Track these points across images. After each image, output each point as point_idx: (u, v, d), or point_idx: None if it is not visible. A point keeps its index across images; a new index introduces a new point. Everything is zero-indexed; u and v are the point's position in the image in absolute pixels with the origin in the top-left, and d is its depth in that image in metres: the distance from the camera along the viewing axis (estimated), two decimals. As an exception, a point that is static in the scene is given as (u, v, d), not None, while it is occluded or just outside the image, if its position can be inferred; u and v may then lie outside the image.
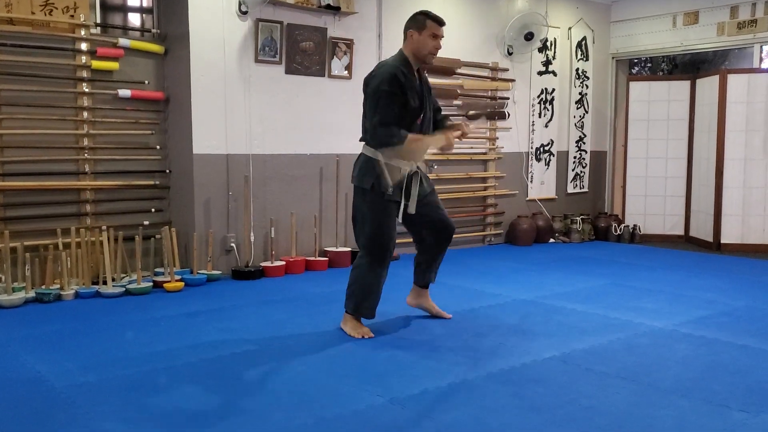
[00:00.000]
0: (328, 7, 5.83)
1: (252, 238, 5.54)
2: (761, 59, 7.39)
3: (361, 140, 3.86)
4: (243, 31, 5.50)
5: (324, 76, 5.98)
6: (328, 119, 6.05)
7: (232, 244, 5.50)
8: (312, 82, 5.92)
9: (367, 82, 3.76)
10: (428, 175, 4.10)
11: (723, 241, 7.09)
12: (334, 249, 6.00)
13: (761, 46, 7.34)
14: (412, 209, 3.75)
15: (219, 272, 5.34)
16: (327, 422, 2.62)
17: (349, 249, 6.03)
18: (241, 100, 5.53)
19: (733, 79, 7.03)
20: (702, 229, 7.42)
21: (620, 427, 2.60)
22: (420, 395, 2.89)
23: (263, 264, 5.52)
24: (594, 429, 2.58)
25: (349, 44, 6.08)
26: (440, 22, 3.79)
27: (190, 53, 5.25)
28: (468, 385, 3.03)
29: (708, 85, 7.31)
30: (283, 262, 5.57)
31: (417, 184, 3.77)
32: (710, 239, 7.19)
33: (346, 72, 6.09)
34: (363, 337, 3.75)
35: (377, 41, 6.34)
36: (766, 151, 6.98)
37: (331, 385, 3.01)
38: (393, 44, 6.34)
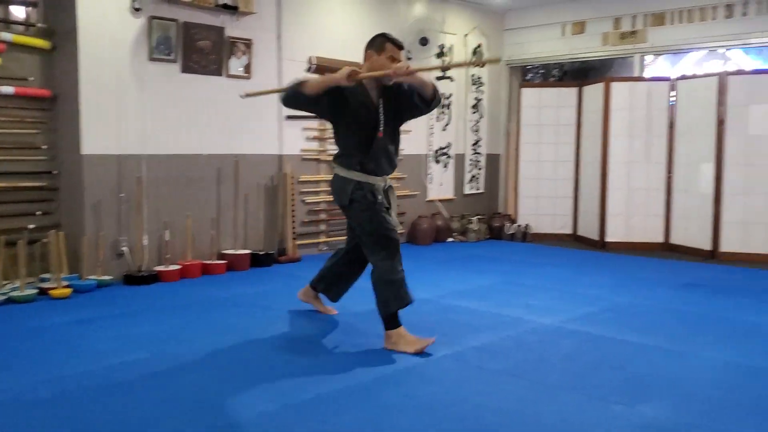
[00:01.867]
0: (226, 6, 5.75)
1: (145, 242, 5.39)
2: (642, 68, 7.83)
3: (333, 161, 3.91)
4: (136, 29, 5.34)
5: (222, 75, 5.89)
6: (226, 119, 5.97)
7: (124, 248, 5.33)
8: (209, 82, 5.82)
9: None
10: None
11: (608, 239, 7.49)
12: (233, 251, 5.92)
13: (641, 56, 7.79)
14: (394, 222, 3.80)
15: (110, 277, 5.17)
16: (218, 430, 2.59)
17: (249, 251, 5.97)
18: (134, 99, 5.37)
19: (616, 87, 7.43)
20: (589, 229, 7.80)
21: (508, 423, 2.71)
22: (313, 399, 2.90)
23: (157, 268, 5.38)
24: (483, 426, 2.67)
25: (248, 44, 6.02)
26: (400, 46, 3.81)
27: (79, 49, 5.05)
28: (362, 387, 3.07)
29: (594, 92, 7.69)
30: (179, 266, 5.45)
31: (393, 197, 3.88)
32: (596, 238, 7.58)
33: (245, 72, 6.02)
34: (425, 347, 3.55)
35: (277, 42, 6.30)
36: (647, 155, 7.42)
37: (224, 393, 2.97)
38: (292, 45, 6.35)
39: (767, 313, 4.53)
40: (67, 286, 4.79)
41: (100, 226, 5.21)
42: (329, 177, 6.62)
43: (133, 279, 5.20)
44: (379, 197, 3.75)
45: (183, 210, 5.66)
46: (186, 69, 5.64)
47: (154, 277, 5.27)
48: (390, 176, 3.87)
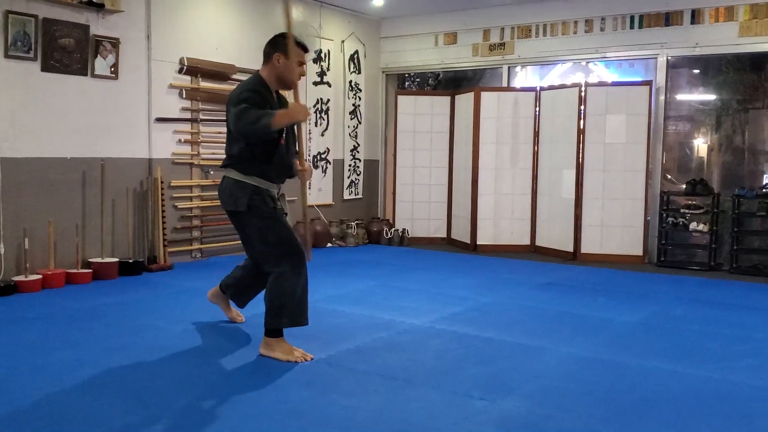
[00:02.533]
0: (90, 3, 5.53)
1: (2, 250, 5.07)
2: (510, 79, 8.20)
3: (223, 166, 3.72)
4: (-10, 24, 5.03)
5: (86, 75, 5.65)
6: (91, 121, 5.73)
7: (-22, 257, 5.00)
8: (73, 82, 5.57)
9: (227, 103, 3.59)
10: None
11: (479, 242, 7.78)
12: (99, 260, 5.67)
13: (509, 67, 8.16)
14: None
15: (-38, 288, 4.83)
16: (79, 444, 2.50)
17: (117, 259, 5.75)
18: (-11, 98, 5.05)
19: (485, 96, 7.75)
20: (461, 232, 8.08)
21: (375, 423, 2.77)
22: (181, 410, 2.85)
23: (16, 278, 5.08)
24: (351, 427, 2.72)
25: (115, 43, 5.81)
26: (305, 49, 3.72)
27: (-75, 44, 4.71)
28: (233, 395, 3.04)
29: (465, 101, 7.98)
30: (40, 276, 5.17)
31: (286, 205, 3.79)
32: (468, 241, 7.86)
33: (112, 72, 5.81)
34: (303, 360, 3.51)
35: (146, 42, 6.12)
36: (513, 162, 7.78)
37: (85, 405, 2.86)
38: (162, 45, 6.19)
39: (617, 310, 4.87)
40: None
41: (-51, 233, 4.87)
42: (203, 182, 6.54)
43: (-12, 290, 4.88)
44: (279, 204, 3.69)
45: (44, 216, 5.38)
46: (47, 68, 5.37)
47: (12, 288, 4.97)
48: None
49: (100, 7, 5.60)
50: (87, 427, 2.65)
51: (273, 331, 3.60)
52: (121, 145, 5.97)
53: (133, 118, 6.05)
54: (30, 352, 3.59)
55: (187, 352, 3.66)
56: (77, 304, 4.72)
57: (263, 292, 3.73)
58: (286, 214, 3.76)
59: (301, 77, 3.72)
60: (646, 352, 3.82)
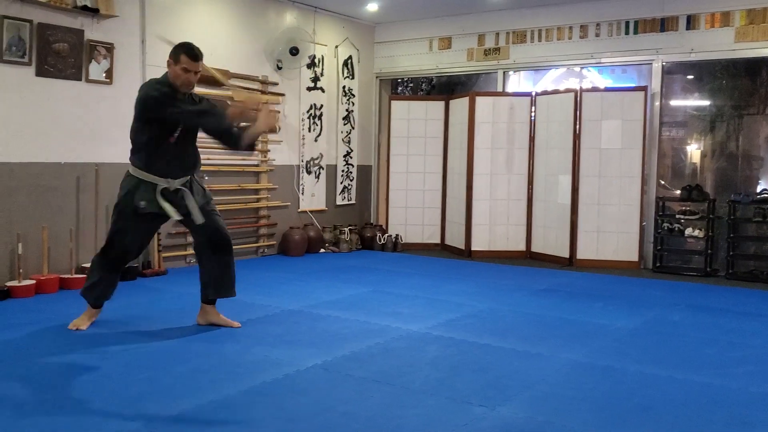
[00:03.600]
0: (85, 8, 5.50)
1: (-5, 255, 5.04)
2: (504, 84, 8.21)
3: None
4: (-16, 28, 5.00)
5: (81, 80, 5.63)
6: (86, 126, 5.70)
7: (-29, 263, 4.96)
8: (67, 86, 5.54)
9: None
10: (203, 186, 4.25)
11: (473, 248, 7.77)
12: (92, 265, 5.63)
13: (504, 72, 8.16)
14: (198, 219, 3.99)
15: (-46, 294, 4.79)
16: (74, 452, 2.47)
17: (110, 264, 5.70)
18: (-18, 103, 5.02)
19: (480, 101, 7.75)
20: (456, 238, 8.07)
21: (372, 429, 2.75)
22: (178, 416, 2.82)
23: (9, 284, 5.04)
24: (349, 433, 2.71)
25: (110, 48, 5.79)
26: (193, 58, 3.90)
27: None
28: (229, 401, 3.02)
29: (459, 106, 7.98)
30: (33, 281, 5.13)
31: (190, 197, 4.02)
32: (462, 247, 7.84)
33: (106, 77, 5.78)
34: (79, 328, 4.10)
35: (141, 46, 6.10)
36: (509, 167, 7.77)
37: (79, 413, 2.83)
38: (157, 50, 6.16)
39: (613, 316, 4.86)
40: None
41: (-59, 239, 4.82)
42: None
43: (-20, 296, 4.84)
44: (142, 203, 3.97)
45: (38, 221, 5.34)
46: (41, 72, 5.34)
47: (5, 293, 4.93)
48: (185, 177, 4.05)
49: (95, 12, 5.58)
50: (81, 434, 2.62)
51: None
52: (116, 151, 5.93)
53: (127, 124, 5.93)
54: (23, 358, 3.55)
55: (181, 357, 3.63)
56: (71, 309, 4.66)
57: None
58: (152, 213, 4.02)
59: (189, 83, 3.95)
60: (644, 358, 3.82)
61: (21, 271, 5.15)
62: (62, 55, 5.45)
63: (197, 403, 2.97)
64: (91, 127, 5.74)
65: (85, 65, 5.63)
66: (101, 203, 5.75)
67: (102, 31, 5.74)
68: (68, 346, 3.80)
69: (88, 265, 5.57)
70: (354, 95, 8.56)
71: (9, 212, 5.18)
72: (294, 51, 7.32)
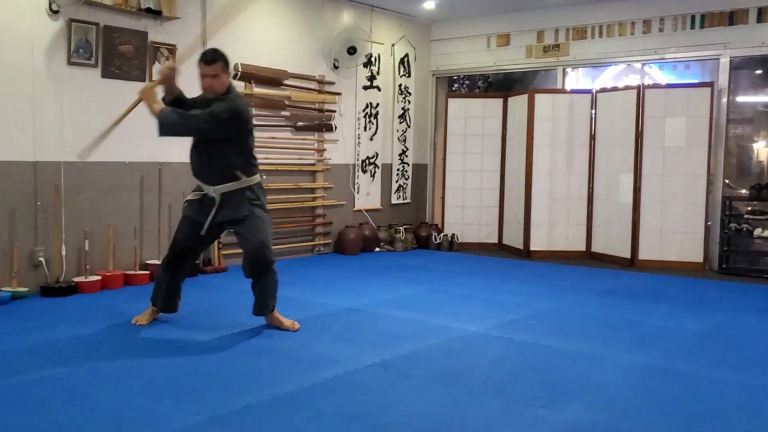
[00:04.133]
0: (149, 10, 5.62)
1: (63, 252, 5.19)
2: (563, 81, 8.07)
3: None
4: (54, 31, 5.15)
5: (144, 81, 5.74)
6: (149, 126, 5.76)
7: (41, 259, 5.12)
8: (132, 87, 5.62)
9: None
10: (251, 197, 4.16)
11: (532, 248, 7.66)
12: (156, 262, 5.75)
13: (563, 69, 8.02)
14: (202, 230, 4.13)
15: (26, 289, 4.95)
16: (142, 444, 2.52)
17: (172, 261, 5.82)
18: (52, 103, 5.18)
19: (539, 98, 7.63)
20: (513, 238, 7.96)
21: (434, 429, 2.73)
22: (241, 411, 2.85)
23: (76, 279, 5.19)
24: (411, 433, 2.69)
25: (172, 49, 5.90)
26: (204, 61, 4.04)
27: (-8, 52, 4.85)
28: (290, 397, 3.03)
29: (518, 103, 7.87)
30: (99, 277, 5.27)
31: (213, 210, 4.08)
32: (521, 247, 7.74)
33: (169, 78, 5.89)
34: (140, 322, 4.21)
35: (202, 47, 6.16)
36: (569, 165, 7.64)
37: (146, 406, 2.89)
38: (218, 52, 6.23)
39: (679, 318, 4.72)
40: (-22, 299, 4.56)
41: (14, 235, 4.99)
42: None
43: (50, 290, 4.99)
44: (185, 203, 4.22)
45: (104, 219, 5.48)
46: (107, 74, 5.48)
47: (73, 289, 5.08)
48: (221, 185, 4.07)
49: (158, 14, 5.69)
50: (149, 428, 2.66)
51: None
52: (178, 150, 6.03)
53: (188, 123, 6.11)
54: (92, 352, 3.64)
55: (242, 353, 3.67)
56: (135, 304, 4.78)
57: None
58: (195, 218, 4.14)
59: (206, 87, 4.10)
60: (713, 362, 3.69)
61: (87, 267, 5.29)
62: (127, 57, 5.59)
63: (259, 399, 2.99)
64: (155, 127, 5.84)
65: (149, 67, 5.76)
66: (164, 202, 5.87)
67: (165, 32, 5.86)
68: (132, 341, 3.89)
69: (152, 262, 5.73)
70: (410, 93, 8.54)
71: (76, 210, 5.33)
72: (351, 50, 7.34)
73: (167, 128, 4.00)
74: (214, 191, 4.06)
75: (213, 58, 4.01)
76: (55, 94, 5.19)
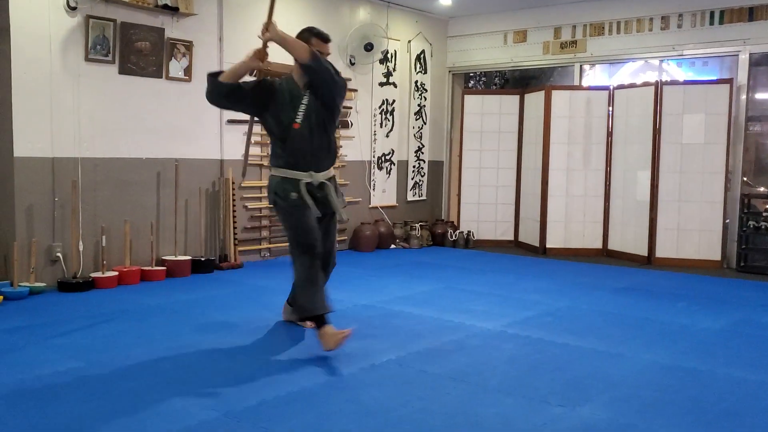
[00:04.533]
0: (166, 7, 5.64)
1: (81, 248, 5.23)
2: (581, 77, 8.01)
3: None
4: (72, 28, 5.19)
5: (161, 77, 5.77)
6: (166, 122, 5.85)
7: (59, 254, 5.16)
8: (148, 84, 5.70)
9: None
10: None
11: (548, 245, 7.62)
12: (172, 258, 5.79)
13: (581, 65, 7.97)
14: (316, 212, 3.77)
15: (43, 284, 4.99)
16: (158, 439, 2.53)
17: (189, 257, 5.85)
18: (70, 100, 5.21)
19: (556, 95, 7.58)
20: (529, 235, 7.92)
21: (450, 426, 2.71)
22: (256, 407, 2.86)
23: (93, 275, 5.23)
24: (426, 429, 2.67)
25: (189, 46, 5.92)
26: (325, 39, 3.84)
27: (11, 48, 4.88)
28: (306, 393, 3.03)
29: (535, 100, 7.83)
30: (116, 273, 5.30)
31: (325, 194, 3.82)
32: (537, 244, 7.70)
33: (185, 74, 5.92)
34: (344, 338, 3.56)
35: (218, 44, 6.22)
36: (585, 162, 7.58)
37: (163, 401, 2.90)
38: (234, 47, 6.26)
39: (697, 316, 4.68)
40: (-3, 294, 4.61)
41: (32, 231, 5.03)
42: (272, 182, 6.60)
43: (67, 286, 5.03)
44: (292, 195, 3.71)
45: (121, 215, 5.52)
46: (124, 70, 5.51)
47: (90, 284, 5.12)
48: (324, 171, 3.82)
49: (175, 10, 5.71)
50: (166, 423, 2.67)
51: (316, 322, 3.66)
52: (194, 146, 6.08)
53: (205, 120, 6.15)
54: (108, 347, 3.66)
55: (259, 349, 3.68)
56: (152, 300, 4.82)
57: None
58: (308, 205, 3.73)
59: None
60: (733, 361, 3.65)
61: (105, 262, 5.33)
62: (144, 53, 5.61)
63: (275, 395, 2.99)
64: (171, 123, 5.89)
65: (165, 63, 5.78)
66: (180, 198, 5.89)
67: (181, 29, 5.88)
68: (149, 336, 3.91)
69: (168, 257, 5.76)
70: (426, 90, 8.52)
71: (94, 206, 5.37)
72: (369, 47, 7.32)
73: (320, 65, 3.66)
74: (323, 176, 3.80)
75: (330, 38, 3.88)
76: (72, 91, 5.22)
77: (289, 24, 6.87)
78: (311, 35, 3.82)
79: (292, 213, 3.75)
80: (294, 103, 3.76)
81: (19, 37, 4.92)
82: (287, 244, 3.88)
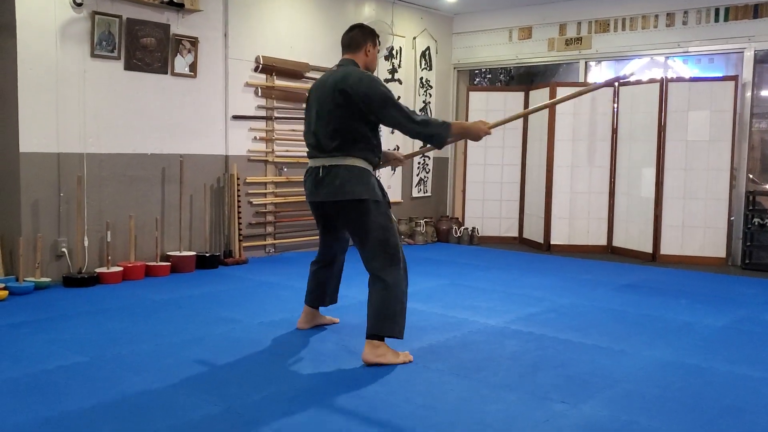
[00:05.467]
0: (171, 3, 5.65)
1: (86, 243, 5.25)
2: (586, 74, 7.99)
3: (333, 153, 3.45)
4: (78, 24, 5.21)
5: (167, 73, 5.79)
6: (171, 118, 5.87)
7: (64, 249, 5.19)
8: (153, 80, 5.71)
9: (354, 87, 3.37)
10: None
11: (552, 242, 7.61)
12: (177, 253, 5.81)
13: (586, 62, 7.95)
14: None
15: (48, 279, 5.02)
16: (162, 433, 2.54)
17: (194, 253, 5.87)
18: (75, 96, 5.23)
19: (561, 92, 7.54)
20: (534, 231, 7.92)
21: (452, 422, 2.72)
22: (259, 401, 2.87)
23: (98, 270, 5.25)
24: (428, 426, 2.68)
25: (194, 42, 5.93)
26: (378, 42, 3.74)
27: (17, 44, 4.90)
28: (309, 388, 3.05)
29: (540, 97, 7.81)
30: (121, 268, 5.33)
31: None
32: (541, 241, 7.70)
33: (190, 71, 5.93)
34: (407, 361, 3.42)
35: (223, 40, 6.23)
36: (590, 159, 7.58)
37: (166, 396, 2.92)
38: (239, 44, 6.28)
39: (701, 313, 4.67)
40: (3, 289, 4.63)
41: (38, 226, 5.06)
42: (277, 179, 6.61)
43: (72, 281, 5.06)
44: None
45: (125, 210, 5.54)
46: (129, 66, 5.53)
47: (95, 279, 5.14)
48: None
49: (180, 6, 5.72)
50: (170, 417, 2.69)
51: (378, 336, 3.42)
52: (199, 142, 6.10)
53: (210, 116, 6.17)
54: (112, 342, 3.69)
55: (262, 345, 3.70)
56: (156, 295, 4.84)
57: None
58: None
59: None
60: (735, 358, 3.65)
61: (110, 258, 5.35)
62: (149, 50, 5.63)
63: (278, 390, 3.01)
64: (176, 119, 5.90)
65: (171, 59, 5.79)
66: (185, 193, 5.91)
67: (187, 25, 5.89)
68: (152, 332, 3.93)
69: (172, 253, 5.78)
70: (431, 86, 8.51)
71: (99, 201, 5.39)
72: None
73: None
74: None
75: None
76: (78, 87, 5.24)
77: (295, 21, 6.90)
78: (376, 37, 3.66)
79: (390, 217, 3.53)
80: None
81: (24, 33, 4.94)
82: (378, 251, 3.47)
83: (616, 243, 7.51)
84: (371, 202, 3.46)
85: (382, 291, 3.42)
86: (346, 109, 3.40)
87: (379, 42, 3.71)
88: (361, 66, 3.60)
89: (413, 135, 3.49)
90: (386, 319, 3.39)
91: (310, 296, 4.00)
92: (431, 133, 3.47)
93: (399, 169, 8.14)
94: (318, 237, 3.95)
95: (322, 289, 3.98)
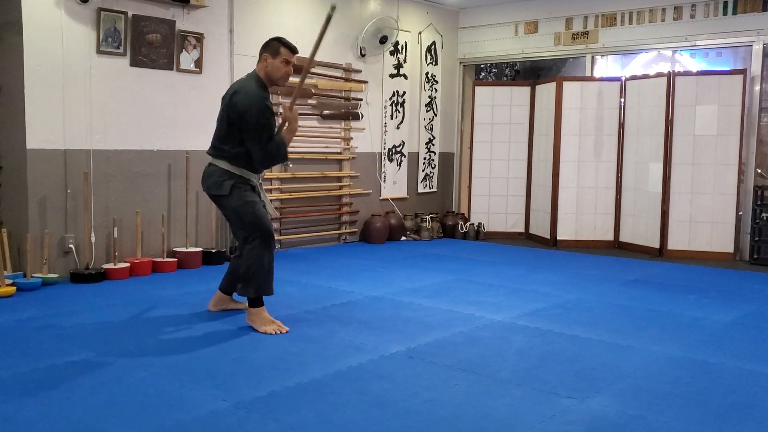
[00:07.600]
0: (176, -1, 5.66)
1: (93, 239, 5.27)
2: (592, 68, 7.96)
3: (210, 153, 4.06)
4: (83, 20, 5.21)
5: (172, 69, 5.79)
6: (176, 114, 5.87)
7: (71, 245, 5.20)
8: (159, 76, 5.72)
9: (236, 105, 3.87)
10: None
11: (559, 237, 7.60)
12: (183, 249, 5.82)
13: (592, 56, 7.92)
14: (272, 212, 4.07)
15: (56, 275, 5.03)
16: (167, 430, 2.54)
17: (200, 249, 5.88)
18: (81, 92, 5.24)
19: (567, 86, 7.54)
20: (540, 227, 7.90)
21: (459, 417, 2.72)
22: (266, 397, 2.87)
23: (105, 266, 5.26)
24: (435, 420, 2.68)
25: (199, 38, 5.93)
26: (293, 50, 4.01)
27: (24, 41, 4.91)
28: (315, 384, 3.05)
29: (546, 91, 7.79)
30: (128, 264, 5.34)
31: (263, 193, 4.13)
32: (547, 236, 7.68)
33: (196, 66, 5.93)
34: (278, 332, 3.82)
35: (229, 36, 6.22)
36: (597, 154, 7.55)
37: (173, 391, 2.92)
38: (244, 40, 6.28)
39: (708, 309, 4.65)
40: (11, 285, 4.65)
41: (45, 222, 5.07)
42: (282, 175, 6.61)
43: (80, 277, 5.07)
44: (256, 190, 4.04)
45: (132, 206, 5.55)
46: (135, 63, 5.53)
47: (102, 275, 5.16)
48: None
49: (186, 2, 5.72)
50: (177, 412, 2.70)
51: (252, 300, 3.91)
52: (205, 138, 6.04)
53: (216, 112, 6.12)
54: (120, 338, 3.69)
55: (268, 341, 3.70)
56: (163, 291, 4.85)
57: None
58: (263, 200, 4.05)
59: (288, 76, 4.06)
60: (743, 354, 3.63)
61: (116, 254, 5.37)
62: (155, 46, 5.63)
63: (285, 385, 3.01)
64: (182, 115, 5.91)
65: (176, 55, 5.79)
66: (191, 189, 5.91)
67: (192, 21, 5.89)
68: (160, 327, 3.94)
69: (179, 249, 5.79)
70: (437, 81, 8.49)
71: (106, 198, 5.40)
72: (383, 39, 7.32)
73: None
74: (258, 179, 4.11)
75: (297, 50, 4.07)
76: (84, 83, 5.25)
77: (299, 18, 6.89)
78: (281, 45, 3.97)
79: (251, 202, 3.96)
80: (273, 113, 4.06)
81: (31, 29, 4.94)
82: (240, 230, 3.98)
83: (623, 238, 7.48)
84: (223, 195, 3.94)
85: (244, 256, 3.94)
86: (228, 119, 3.92)
87: (283, 49, 3.96)
88: (263, 76, 3.97)
89: (261, 164, 3.95)
90: (246, 282, 3.90)
91: (222, 282, 4.35)
92: (280, 155, 3.95)
93: (405, 165, 8.13)
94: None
95: (232, 277, 4.26)
